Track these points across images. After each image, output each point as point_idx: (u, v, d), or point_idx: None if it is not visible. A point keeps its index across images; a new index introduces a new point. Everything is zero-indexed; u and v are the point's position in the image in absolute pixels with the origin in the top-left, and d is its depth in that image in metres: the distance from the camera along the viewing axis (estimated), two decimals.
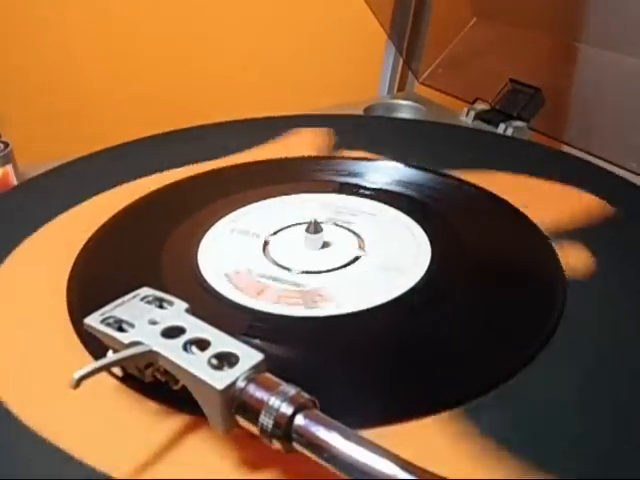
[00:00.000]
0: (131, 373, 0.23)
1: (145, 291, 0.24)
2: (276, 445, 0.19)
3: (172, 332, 0.22)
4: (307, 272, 0.31)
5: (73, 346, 0.26)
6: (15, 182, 0.43)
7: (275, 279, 0.31)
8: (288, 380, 0.20)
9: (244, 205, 0.37)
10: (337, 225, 0.35)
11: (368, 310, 0.28)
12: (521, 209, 0.36)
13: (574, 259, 0.31)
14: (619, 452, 0.21)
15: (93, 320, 0.23)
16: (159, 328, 0.22)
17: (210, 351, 0.21)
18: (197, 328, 0.22)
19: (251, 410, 0.19)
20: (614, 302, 0.29)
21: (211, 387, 0.20)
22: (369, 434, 0.21)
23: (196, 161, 0.43)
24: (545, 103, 0.51)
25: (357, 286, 0.30)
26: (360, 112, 0.58)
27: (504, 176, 0.40)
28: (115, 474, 0.20)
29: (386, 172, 0.41)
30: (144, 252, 0.33)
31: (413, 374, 0.25)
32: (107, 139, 0.46)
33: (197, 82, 0.75)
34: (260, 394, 0.20)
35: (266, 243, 0.34)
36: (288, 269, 0.31)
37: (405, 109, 0.61)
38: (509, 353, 0.26)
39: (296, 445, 0.19)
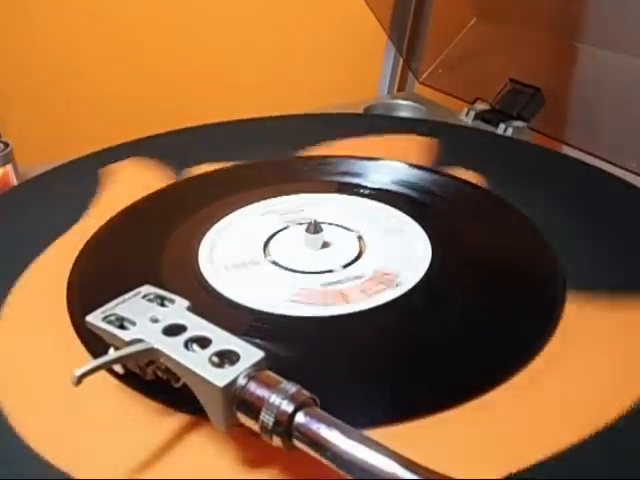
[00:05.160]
0: (132, 371, 0.23)
1: (147, 289, 0.24)
2: (277, 443, 0.19)
3: (173, 330, 0.22)
4: (308, 272, 0.31)
5: (73, 345, 0.26)
6: (15, 182, 0.43)
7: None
8: (289, 378, 0.20)
9: (244, 205, 0.37)
10: (337, 225, 0.35)
11: (368, 310, 0.28)
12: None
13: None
14: None
15: (94, 318, 0.23)
16: (160, 326, 0.22)
17: (211, 349, 0.21)
18: (198, 326, 0.22)
19: (252, 408, 0.19)
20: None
21: (212, 385, 0.20)
22: (368, 434, 0.20)
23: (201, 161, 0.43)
24: (545, 103, 0.52)
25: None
26: (360, 112, 0.58)
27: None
28: (115, 474, 0.20)
29: (386, 172, 0.41)
30: (144, 252, 0.33)
31: (413, 374, 0.25)
32: (107, 139, 0.46)
33: (196, 83, 0.75)
34: (261, 392, 0.20)
35: (266, 243, 0.34)
36: (289, 269, 0.32)
37: (405, 109, 0.61)
38: (508, 354, 0.26)
39: (297, 443, 0.19)
